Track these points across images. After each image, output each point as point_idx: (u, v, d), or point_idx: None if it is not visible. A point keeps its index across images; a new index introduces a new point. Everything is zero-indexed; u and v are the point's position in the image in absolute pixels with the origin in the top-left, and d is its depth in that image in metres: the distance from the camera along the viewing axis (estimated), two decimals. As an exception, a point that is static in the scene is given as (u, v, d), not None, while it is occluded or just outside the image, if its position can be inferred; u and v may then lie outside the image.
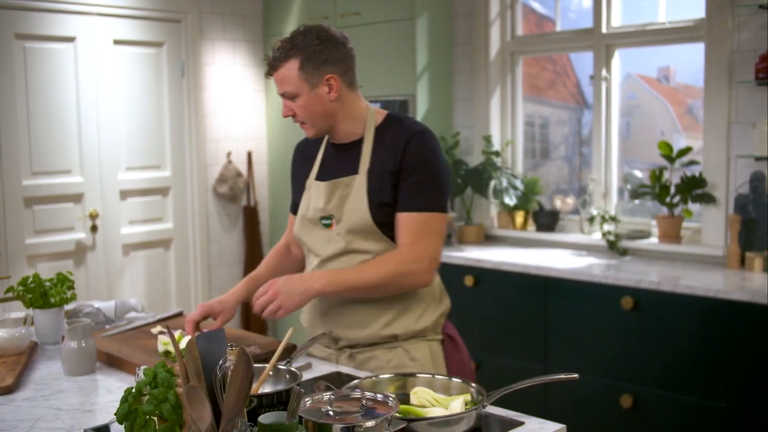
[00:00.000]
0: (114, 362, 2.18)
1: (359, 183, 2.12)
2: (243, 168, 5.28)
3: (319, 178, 2.23)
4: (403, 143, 2.09)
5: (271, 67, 2.13)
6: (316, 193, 2.20)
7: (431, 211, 2.10)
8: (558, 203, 4.49)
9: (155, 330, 2.43)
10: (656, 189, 3.90)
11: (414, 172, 2.09)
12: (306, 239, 2.24)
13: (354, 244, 2.13)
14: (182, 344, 2.09)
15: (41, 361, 2.26)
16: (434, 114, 4.58)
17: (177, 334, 2.16)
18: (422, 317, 2.17)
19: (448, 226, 4.35)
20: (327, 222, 2.17)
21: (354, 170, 2.15)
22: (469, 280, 3.99)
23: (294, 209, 2.35)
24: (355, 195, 2.12)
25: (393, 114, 2.22)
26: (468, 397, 1.72)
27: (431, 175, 2.10)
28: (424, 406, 1.69)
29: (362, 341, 2.17)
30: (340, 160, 2.20)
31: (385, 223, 2.12)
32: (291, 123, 5.57)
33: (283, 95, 2.14)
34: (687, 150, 3.87)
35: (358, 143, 2.18)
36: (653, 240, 4.01)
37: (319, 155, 2.27)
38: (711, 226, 3.78)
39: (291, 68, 2.09)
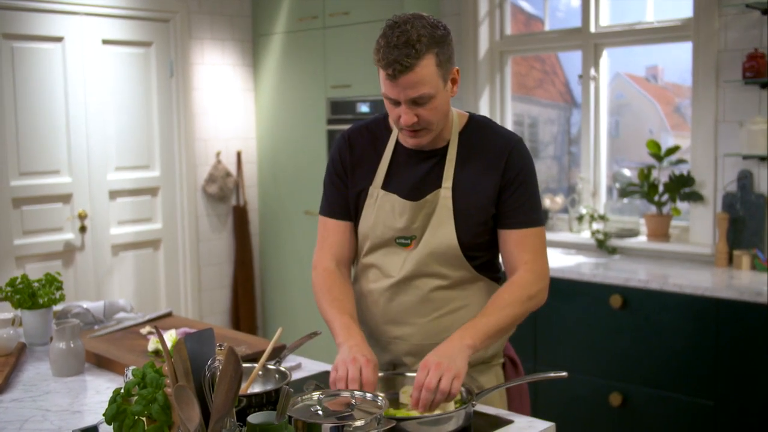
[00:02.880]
0: (103, 363, 2.17)
1: (444, 199, 1.88)
2: (232, 168, 5.27)
3: (389, 188, 1.94)
4: (505, 154, 1.89)
5: (406, 68, 1.74)
6: (391, 208, 1.92)
7: (541, 225, 1.93)
8: (547, 202, 4.50)
9: (144, 330, 2.42)
10: (645, 188, 3.92)
11: (521, 185, 1.89)
12: (378, 261, 1.96)
13: (430, 268, 1.91)
14: (169, 342, 2.10)
15: (29, 362, 2.25)
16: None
17: (166, 335, 2.16)
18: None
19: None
20: (405, 242, 1.92)
21: (437, 183, 1.90)
22: (458, 279, 3.99)
23: (339, 214, 2.02)
24: (439, 214, 1.88)
25: (476, 117, 1.98)
26: (457, 396, 1.73)
27: (535, 186, 1.93)
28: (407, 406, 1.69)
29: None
30: (419, 170, 1.92)
31: (472, 247, 1.92)
32: (280, 123, 5.53)
33: (415, 101, 1.78)
34: (675, 149, 3.89)
35: (441, 151, 1.93)
36: (642, 238, 4.02)
37: (385, 159, 1.97)
38: (699, 225, 3.80)
39: (428, 65, 1.75)
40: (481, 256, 1.94)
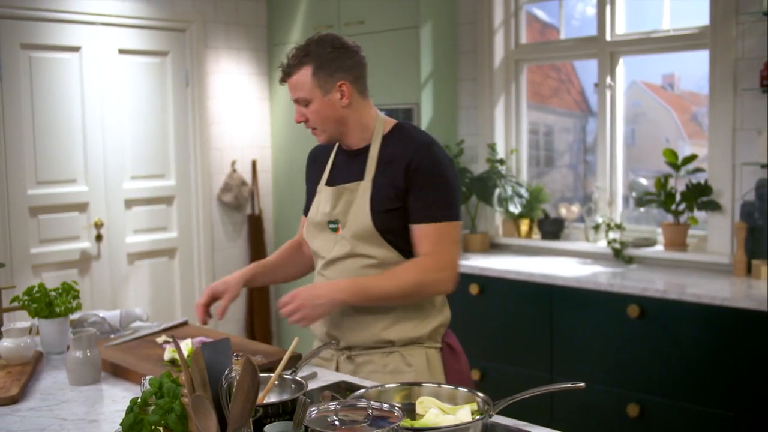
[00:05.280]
0: (119, 372, 2.17)
1: (363, 189, 2.18)
2: (247, 177, 5.28)
3: (328, 183, 2.29)
4: (409, 155, 2.15)
5: (285, 74, 2.19)
6: (324, 197, 2.27)
7: (446, 220, 2.15)
8: (563, 211, 4.48)
9: (160, 339, 2.43)
10: (661, 196, 3.89)
11: (423, 183, 2.14)
12: (313, 242, 2.31)
13: (358, 249, 2.19)
14: (185, 351, 2.10)
15: (46, 371, 2.25)
16: (438, 122, 4.58)
17: (182, 344, 2.16)
18: (419, 325, 2.21)
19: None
20: (334, 226, 2.24)
21: (360, 177, 2.21)
22: (474, 289, 3.98)
23: (306, 211, 2.40)
24: (359, 201, 2.18)
25: (401, 124, 2.26)
26: (474, 406, 1.72)
27: (441, 184, 2.16)
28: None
29: (360, 344, 2.22)
30: (349, 166, 2.25)
31: (387, 230, 2.17)
32: (296, 131, 5.58)
33: (296, 101, 2.20)
34: (692, 157, 3.86)
35: (365, 150, 2.23)
36: (659, 248, 3.99)
37: (330, 161, 2.33)
38: (717, 234, 3.77)
39: (305, 75, 2.15)
40: (400, 240, 2.19)
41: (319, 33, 2.22)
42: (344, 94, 2.17)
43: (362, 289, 2.13)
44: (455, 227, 2.17)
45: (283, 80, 2.21)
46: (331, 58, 2.15)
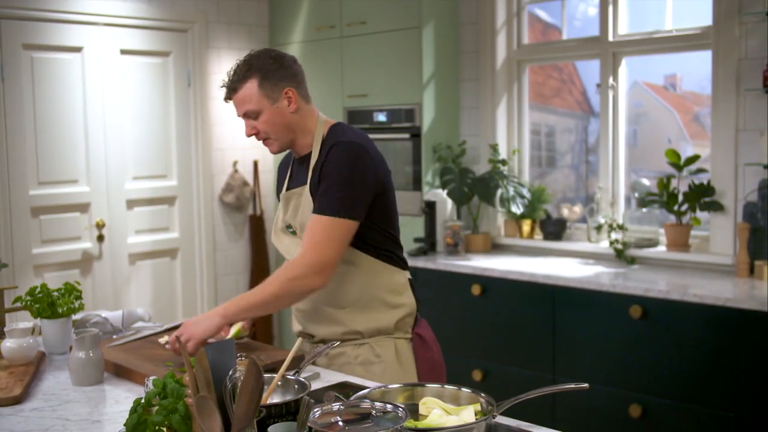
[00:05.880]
0: (122, 372, 2.17)
1: (306, 194, 2.26)
2: (249, 177, 5.28)
3: (287, 189, 2.38)
4: (324, 154, 2.22)
5: (231, 90, 2.25)
6: (282, 204, 2.38)
7: (332, 215, 2.15)
8: (565, 212, 4.48)
9: (162, 340, 2.42)
10: (664, 197, 3.89)
11: (324, 177, 2.20)
12: (279, 246, 2.40)
13: None
14: (233, 331, 2.29)
15: (49, 371, 2.25)
16: (440, 122, 4.58)
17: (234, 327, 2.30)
18: (384, 317, 2.28)
19: (455, 235, 4.36)
20: (291, 230, 2.34)
21: (304, 181, 2.29)
22: (476, 289, 3.98)
23: None
24: (303, 205, 2.27)
25: (334, 126, 2.32)
26: (477, 407, 1.71)
27: (338, 181, 2.17)
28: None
29: (331, 337, 2.28)
30: (299, 173, 2.34)
31: None
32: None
33: (245, 115, 2.26)
34: (695, 158, 3.86)
35: (308, 156, 2.31)
36: (661, 248, 3.99)
37: (290, 169, 2.42)
38: (719, 235, 3.77)
39: (251, 87, 2.22)
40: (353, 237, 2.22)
41: (253, 50, 2.32)
42: (291, 100, 2.25)
43: (237, 302, 2.18)
44: (341, 225, 2.15)
45: (228, 97, 2.27)
46: (273, 68, 2.23)
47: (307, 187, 2.26)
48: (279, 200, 2.42)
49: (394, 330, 2.30)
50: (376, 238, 2.27)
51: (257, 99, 2.22)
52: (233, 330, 2.28)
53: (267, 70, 2.23)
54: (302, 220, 2.27)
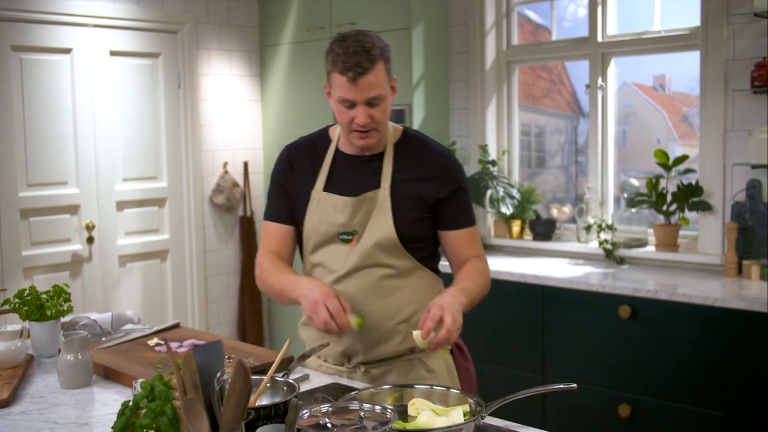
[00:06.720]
0: (111, 375, 2.17)
1: (383, 198, 2.10)
2: (239, 178, 5.27)
3: (330, 190, 2.15)
4: (447, 168, 2.17)
5: (365, 70, 1.98)
6: (333, 206, 2.12)
7: (474, 224, 2.25)
8: (554, 212, 4.49)
9: (152, 342, 2.42)
10: (653, 197, 3.90)
11: (459, 193, 2.18)
12: (315, 254, 2.17)
13: (378, 259, 2.10)
14: (352, 322, 2.00)
15: (37, 374, 2.24)
16: (430, 123, 4.58)
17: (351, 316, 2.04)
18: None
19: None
20: (347, 237, 2.12)
21: (376, 184, 2.12)
22: (466, 290, 3.98)
23: (275, 218, 2.24)
24: (379, 210, 2.10)
25: (410, 131, 2.23)
26: (466, 407, 1.72)
27: (469, 193, 2.25)
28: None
29: (380, 357, 2.15)
30: (358, 173, 2.14)
31: (409, 239, 2.12)
32: (287, 133, 5.55)
33: (367, 102, 2.02)
34: (683, 158, 3.88)
35: (379, 156, 2.15)
36: (650, 248, 4.01)
37: (326, 165, 2.18)
38: (708, 234, 3.79)
39: (381, 71, 2.02)
40: (419, 249, 2.16)
41: (355, 30, 2.07)
42: (395, 90, 2.11)
43: (467, 296, 2.06)
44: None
45: (353, 80, 1.99)
46: (390, 54, 2.07)
47: (385, 191, 2.10)
48: (294, 199, 2.18)
49: None
50: (433, 248, 2.26)
51: (385, 84, 2.03)
52: (355, 320, 2.01)
53: (388, 55, 2.05)
54: (377, 225, 2.08)
